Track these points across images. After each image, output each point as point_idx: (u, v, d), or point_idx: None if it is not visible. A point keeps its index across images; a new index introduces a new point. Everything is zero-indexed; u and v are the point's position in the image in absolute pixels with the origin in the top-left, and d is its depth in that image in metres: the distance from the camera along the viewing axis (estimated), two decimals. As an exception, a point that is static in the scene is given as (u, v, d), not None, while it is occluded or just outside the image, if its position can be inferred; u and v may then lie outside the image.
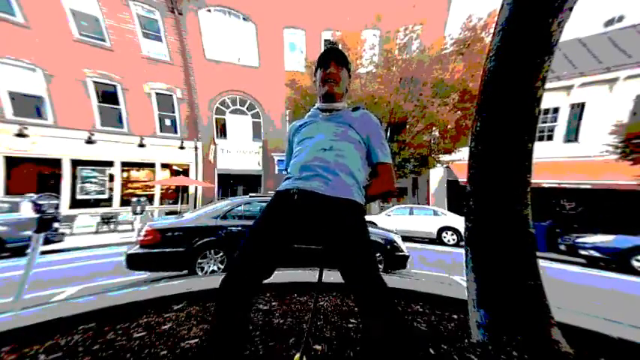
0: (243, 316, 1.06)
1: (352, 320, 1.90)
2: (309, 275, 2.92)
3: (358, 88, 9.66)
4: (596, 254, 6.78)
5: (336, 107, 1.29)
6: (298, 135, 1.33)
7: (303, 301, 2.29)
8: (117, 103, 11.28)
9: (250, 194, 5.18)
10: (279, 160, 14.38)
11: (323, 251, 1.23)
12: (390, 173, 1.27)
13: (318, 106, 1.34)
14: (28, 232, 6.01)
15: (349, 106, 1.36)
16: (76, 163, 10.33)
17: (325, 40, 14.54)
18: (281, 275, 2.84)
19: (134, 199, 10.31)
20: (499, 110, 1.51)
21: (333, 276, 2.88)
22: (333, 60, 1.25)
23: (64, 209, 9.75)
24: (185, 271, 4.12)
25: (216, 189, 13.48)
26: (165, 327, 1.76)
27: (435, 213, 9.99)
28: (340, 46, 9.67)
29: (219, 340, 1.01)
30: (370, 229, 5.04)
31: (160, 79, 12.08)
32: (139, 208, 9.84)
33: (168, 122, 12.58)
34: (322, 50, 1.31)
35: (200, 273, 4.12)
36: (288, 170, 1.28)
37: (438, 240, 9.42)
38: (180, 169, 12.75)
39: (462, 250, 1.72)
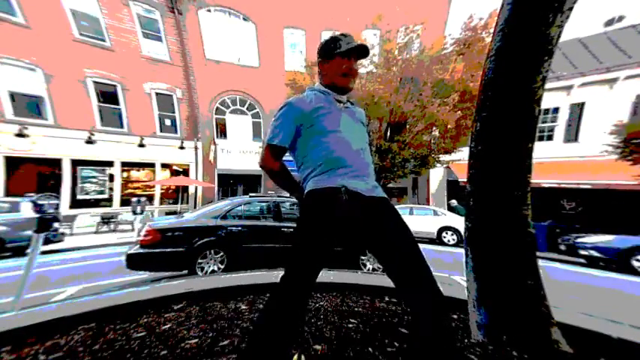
0: (302, 313, 1.12)
1: (352, 320, 1.90)
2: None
3: (358, 88, 9.65)
4: (596, 254, 6.78)
5: (344, 100, 1.29)
6: (316, 121, 1.18)
7: (303, 301, 2.28)
8: (117, 103, 11.27)
9: (250, 194, 5.18)
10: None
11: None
12: None
13: (331, 93, 1.25)
14: (28, 232, 6.01)
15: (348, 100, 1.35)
16: (76, 163, 10.33)
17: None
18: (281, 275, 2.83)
19: (134, 199, 10.30)
20: (499, 110, 1.51)
21: (333, 276, 2.88)
22: (355, 54, 1.22)
23: (64, 209, 9.76)
24: (185, 271, 4.12)
25: (216, 189, 13.48)
26: (165, 327, 1.76)
27: (435, 213, 9.99)
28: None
29: (277, 335, 1.03)
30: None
31: (159, 79, 12.08)
32: (139, 208, 9.84)
33: (168, 122, 12.57)
34: (352, 39, 1.23)
35: (200, 273, 4.11)
36: (317, 161, 1.17)
37: (438, 240, 9.41)
38: (181, 169, 12.74)
39: (462, 250, 1.72)
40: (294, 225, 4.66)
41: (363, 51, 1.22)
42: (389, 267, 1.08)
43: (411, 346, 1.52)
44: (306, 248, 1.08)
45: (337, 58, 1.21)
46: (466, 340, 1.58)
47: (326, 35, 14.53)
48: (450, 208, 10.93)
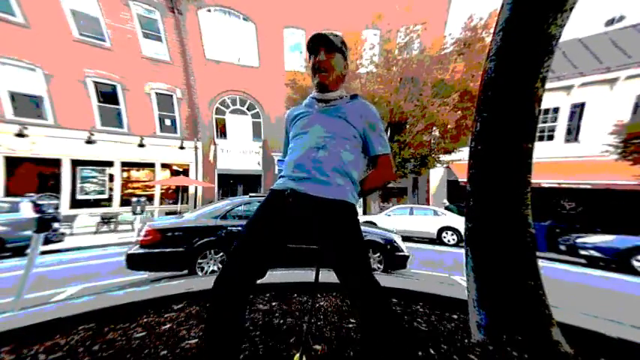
0: (237, 316, 1.06)
1: (352, 320, 1.89)
2: (308, 275, 2.92)
3: (358, 88, 9.66)
4: (596, 254, 6.78)
5: (332, 97, 1.23)
6: (294, 127, 1.27)
7: (303, 301, 2.28)
8: (117, 103, 11.28)
9: (250, 194, 5.18)
10: (279, 160, 14.36)
11: (319, 252, 1.24)
12: (389, 164, 1.26)
13: (314, 95, 1.27)
14: (28, 232, 6.01)
15: (347, 95, 1.29)
16: (76, 163, 10.33)
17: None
18: (281, 275, 2.84)
19: (134, 199, 10.29)
20: (499, 110, 1.51)
21: (332, 276, 2.88)
22: (322, 47, 1.17)
23: (64, 209, 9.76)
24: (185, 271, 4.12)
25: (216, 189, 13.48)
26: (166, 327, 1.76)
27: (435, 213, 9.99)
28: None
29: (215, 340, 1.01)
30: (370, 229, 5.06)
31: (159, 79, 12.08)
32: (139, 208, 9.83)
33: (168, 122, 12.58)
34: (310, 36, 1.21)
35: (200, 273, 4.12)
36: (282, 168, 1.25)
37: (438, 240, 9.41)
38: (180, 169, 12.75)
39: (462, 250, 1.72)
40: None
41: (323, 40, 1.17)
42: (331, 266, 1.09)
43: (417, 347, 1.52)
44: (243, 243, 1.09)
45: (311, 56, 1.22)
46: (466, 340, 1.58)
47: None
48: (445, 208, 10.99)
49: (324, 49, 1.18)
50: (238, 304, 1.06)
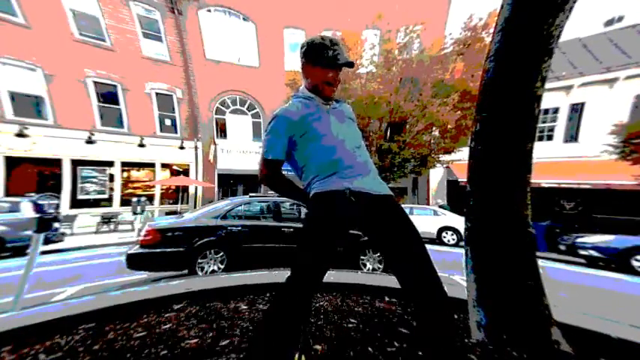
0: (308, 314, 1.16)
1: (352, 320, 1.90)
2: (309, 275, 2.91)
3: (358, 88, 9.66)
4: (596, 254, 6.78)
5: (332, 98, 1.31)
6: (310, 129, 1.18)
7: (303, 301, 2.28)
8: (117, 103, 11.27)
9: (250, 194, 5.18)
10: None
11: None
12: None
13: (309, 94, 1.25)
14: (28, 232, 6.01)
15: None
16: (76, 163, 10.33)
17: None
18: (281, 275, 2.84)
19: (134, 199, 10.30)
20: (499, 110, 1.51)
21: (333, 276, 2.88)
22: (340, 67, 1.22)
23: (65, 209, 9.75)
24: (185, 271, 4.12)
25: (216, 189, 13.48)
26: (166, 327, 1.76)
27: (435, 213, 9.99)
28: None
29: (283, 335, 1.05)
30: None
31: (160, 79, 12.08)
32: (139, 208, 9.84)
33: (168, 122, 12.57)
34: (340, 48, 1.19)
35: (200, 273, 4.12)
36: (318, 166, 1.18)
37: (438, 240, 9.41)
38: (181, 169, 12.74)
39: (462, 250, 1.72)
40: (296, 225, 4.67)
41: (349, 64, 1.21)
42: (394, 267, 1.08)
43: (415, 347, 1.52)
44: (315, 249, 1.08)
45: (318, 66, 1.20)
46: (466, 340, 1.58)
47: (326, 35, 14.50)
48: (439, 207, 11.04)
49: (341, 68, 1.23)
50: (310, 305, 1.17)
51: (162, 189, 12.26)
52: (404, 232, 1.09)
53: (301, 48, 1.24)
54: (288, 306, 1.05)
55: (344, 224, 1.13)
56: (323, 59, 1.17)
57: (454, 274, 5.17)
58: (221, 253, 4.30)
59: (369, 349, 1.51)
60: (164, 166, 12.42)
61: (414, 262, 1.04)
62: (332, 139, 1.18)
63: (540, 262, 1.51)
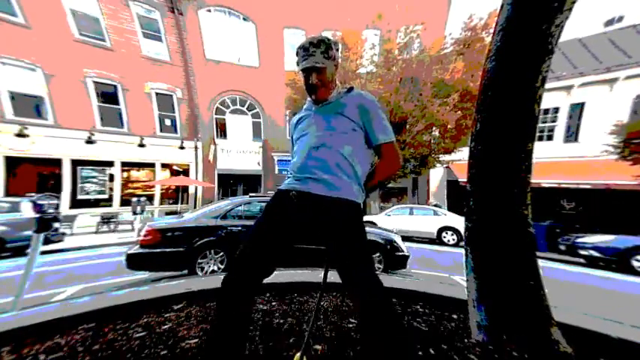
0: (244, 315, 1.08)
1: (352, 320, 1.90)
2: (309, 275, 2.92)
3: (358, 88, 9.65)
4: (596, 254, 6.78)
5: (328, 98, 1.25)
6: (296, 132, 1.31)
7: (303, 301, 2.28)
8: (117, 103, 11.27)
9: (250, 194, 5.18)
10: (279, 160, 14.38)
11: (326, 251, 1.23)
12: (394, 152, 1.23)
13: (310, 99, 1.29)
14: (28, 232, 6.00)
15: (343, 89, 1.28)
16: (76, 163, 10.33)
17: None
18: (281, 275, 2.84)
19: (134, 199, 10.29)
20: (499, 110, 1.51)
21: (333, 276, 2.88)
22: (312, 72, 1.16)
23: (65, 209, 9.75)
24: (185, 271, 4.12)
25: (216, 189, 13.48)
26: (165, 327, 1.76)
27: (435, 213, 9.99)
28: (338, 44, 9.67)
29: (221, 339, 1.02)
30: (370, 229, 5.06)
31: (159, 79, 12.08)
32: (139, 208, 9.83)
33: (168, 122, 12.58)
34: (298, 50, 1.18)
35: (200, 273, 4.11)
36: (288, 169, 1.28)
37: (438, 240, 9.41)
38: (180, 169, 12.74)
39: (462, 250, 1.72)
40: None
41: (310, 70, 1.15)
42: (334, 266, 1.09)
43: (417, 347, 1.52)
44: (251, 244, 1.10)
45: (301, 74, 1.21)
46: (466, 340, 1.58)
47: (326, 35, 14.51)
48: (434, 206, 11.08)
49: (315, 72, 1.16)
50: (246, 303, 1.08)
51: (162, 189, 12.26)
52: (340, 239, 1.07)
53: None
54: (223, 309, 1.05)
55: (284, 223, 1.12)
56: (298, 64, 1.21)
57: (454, 274, 5.17)
58: (221, 253, 4.30)
59: (369, 349, 1.50)
60: (164, 166, 12.42)
61: (347, 271, 1.05)
62: (301, 141, 1.23)
63: (540, 262, 1.51)
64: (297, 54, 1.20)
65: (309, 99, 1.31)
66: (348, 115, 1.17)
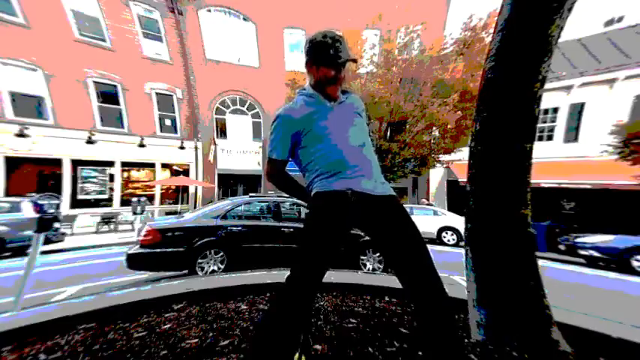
0: (307, 312, 1.12)
1: (352, 320, 1.90)
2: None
3: (358, 88, 9.66)
4: (596, 254, 6.78)
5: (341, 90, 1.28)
6: (315, 126, 1.17)
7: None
8: (117, 103, 11.28)
9: (250, 194, 5.18)
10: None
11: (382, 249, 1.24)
12: None
13: (313, 92, 1.23)
14: (29, 232, 6.01)
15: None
16: (76, 163, 10.33)
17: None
18: (281, 275, 2.84)
19: (134, 199, 10.30)
20: (499, 110, 1.51)
21: (333, 276, 2.88)
22: (343, 65, 1.17)
23: (65, 209, 9.75)
24: (185, 271, 4.12)
25: (216, 189, 13.48)
26: (165, 327, 1.76)
27: (435, 213, 9.99)
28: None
29: (284, 334, 1.04)
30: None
31: (159, 79, 12.08)
32: (139, 208, 9.84)
33: (168, 122, 12.58)
34: (342, 46, 1.15)
35: (200, 273, 4.11)
36: (320, 165, 1.17)
37: (438, 240, 9.41)
38: (181, 169, 12.74)
39: (462, 250, 1.72)
40: (296, 225, 4.67)
41: (352, 61, 1.18)
42: (396, 268, 1.09)
43: (415, 347, 1.52)
44: (316, 249, 1.08)
45: (319, 65, 1.16)
46: (466, 340, 1.58)
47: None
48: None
49: (337, 68, 1.16)
50: (309, 301, 1.11)
51: (162, 189, 12.26)
52: (406, 234, 1.09)
53: (305, 45, 1.22)
54: (289, 306, 1.05)
55: (345, 225, 1.12)
56: (324, 58, 1.14)
57: (454, 274, 5.17)
58: (221, 253, 4.30)
59: (369, 349, 1.51)
60: (164, 166, 12.42)
61: (415, 266, 1.05)
62: (336, 137, 1.16)
63: (540, 262, 1.51)
64: (324, 44, 1.14)
65: (307, 92, 1.25)
66: (363, 115, 1.27)
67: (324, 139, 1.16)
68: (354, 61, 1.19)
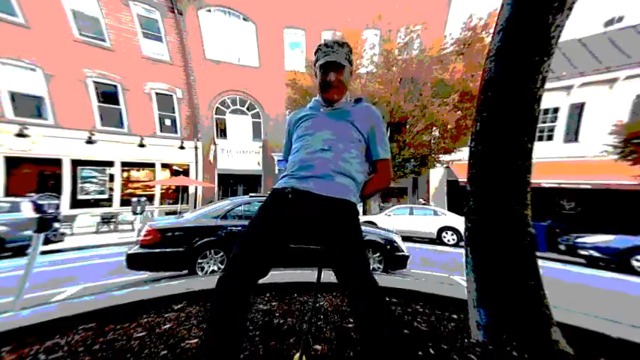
0: (240, 316, 1.06)
1: (352, 320, 1.89)
2: (309, 275, 2.92)
3: (358, 88, 9.66)
4: (596, 254, 6.78)
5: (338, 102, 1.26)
6: (298, 129, 1.28)
7: (303, 301, 2.29)
8: (117, 103, 11.27)
9: (250, 194, 5.18)
10: (279, 160, 14.37)
11: (322, 251, 1.21)
12: (389, 170, 1.28)
13: (319, 98, 1.29)
14: (29, 232, 6.01)
15: (351, 98, 1.32)
16: (76, 163, 10.33)
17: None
18: (281, 275, 2.84)
19: (134, 199, 10.30)
20: (499, 110, 1.52)
21: (333, 276, 2.88)
22: (332, 70, 1.19)
23: (65, 209, 9.75)
24: (185, 271, 4.12)
25: (216, 189, 13.48)
26: (165, 327, 1.76)
27: (435, 213, 9.99)
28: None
29: (216, 340, 1.01)
30: (370, 228, 5.07)
31: (159, 79, 12.08)
32: (139, 208, 9.84)
33: (168, 122, 12.58)
34: (329, 50, 1.19)
35: (200, 273, 4.12)
36: (286, 167, 1.26)
37: (438, 240, 9.41)
38: (181, 169, 12.74)
39: (462, 250, 1.72)
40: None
41: (331, 66, 1.18)
42: (331, 265, 1.10)
43: (415, 347, 1.52)
44: (245, 242, 1.08)
45: (317, 71, 1.23)
46: (466, 340, 1.58)
47: (326, 35, 14.53)
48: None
49: (334, 71, 1.20)
50: (240, 303, 1.06)
51: (162, 189, 12.26)
52: (337, 238, 1.07)
53: None
54: (216, 308, 1.04)
55: (279, 220, 1.10)
56: (315, 62, 1.24)
57: (454, 274, 5.17)
58: (221, 253, 4.30)
59: (369, 349, 1.50)
60: (164, 166, 12.42)
61: (343, 271, 1.06)
62: (305, 141, 1.21)
63: (540, 262, 1.51)
64: (317, 51, 1.23)
65: (315, 99, 1.33)
66: (357, 125, 1.20)
67: (298, 142, 1.26)
68: (329, 65, 1.18)
